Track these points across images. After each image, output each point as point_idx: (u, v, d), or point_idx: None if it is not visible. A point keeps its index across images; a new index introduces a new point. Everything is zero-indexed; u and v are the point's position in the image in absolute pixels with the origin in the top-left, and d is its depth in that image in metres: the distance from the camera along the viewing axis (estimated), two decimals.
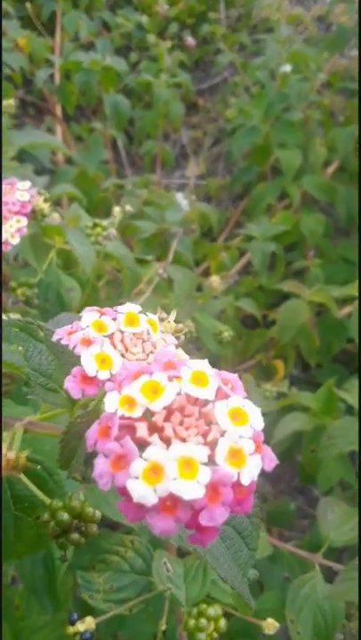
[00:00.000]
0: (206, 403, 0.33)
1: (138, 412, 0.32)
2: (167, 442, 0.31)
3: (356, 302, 1.64)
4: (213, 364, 0.35)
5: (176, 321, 0.44)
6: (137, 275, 1.21)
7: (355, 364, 1.93)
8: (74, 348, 0.39)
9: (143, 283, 1.35)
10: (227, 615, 0.79)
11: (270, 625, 0.84)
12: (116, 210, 1.12)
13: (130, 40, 2.83)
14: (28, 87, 2.68)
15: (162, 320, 0.44)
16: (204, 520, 0.30)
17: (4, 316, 0.61)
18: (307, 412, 1.38)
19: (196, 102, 2.79)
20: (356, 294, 1.59)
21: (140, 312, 0.42)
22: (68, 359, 0.38)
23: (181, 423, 0.32)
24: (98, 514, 0.49)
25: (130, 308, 0.42)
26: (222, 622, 0.74)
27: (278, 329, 1.65)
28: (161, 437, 0.31)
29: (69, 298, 1.03)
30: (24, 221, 0.88)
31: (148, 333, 0.41)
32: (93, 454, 0.32)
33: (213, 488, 0.30)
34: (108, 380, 0.37)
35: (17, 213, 0.89)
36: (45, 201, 0.94)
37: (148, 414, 0.32)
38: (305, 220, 1.88)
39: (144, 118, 2.25)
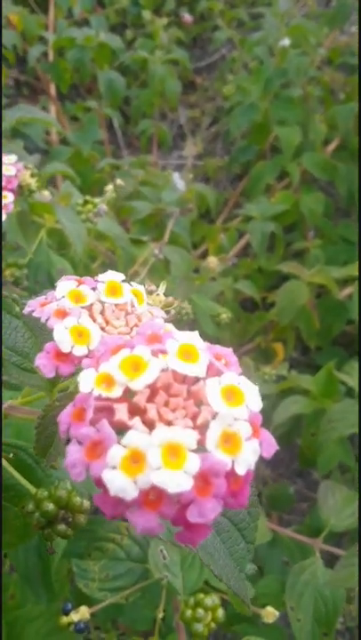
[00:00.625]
0: (196, 380, 0.29)
1: (117, 392, 0.28)
2: (150, 425, 0.27)
3: (357, 283, 1.61)
4: None
5: (166, 294, 0.40)
6: (131, 255, 1.17)
7: (355, 347, 1.90)
8: (47, 320, 0.35)
9: (138, 264, 1.31)
10: (225, 602, 0.77)
11: (270, 613, 0.82)
12: (109, 187, 1.08)
13: (125, 17, 2.76)
14: (21, 67, 2.62)
15: (150, 293, 0.40)
16: (192, 516, 0.26)
17: None
18: (307, 395, 1.35)
19: (194, 81, 2.73)
20: (357, 274, 1.55)
21: (123, 281, 0.38)
22: (46, 337, 0.34)
23: (167, 404, 0.28)
24: (86, 504, 0.46)
25: (111, 276, 0.38)
26: (220, 612, 0.72)
27: (278, 311, 1.62)
28: (143, 421, 0.27)
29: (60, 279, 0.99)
30: (10, 197, 0.84)
31: (133, 305, 0.37)
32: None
33: (203, 478, 0.26)
34: (86, 356, 0.34)
35: (2, 189, 0.85)
36: (32, 176, 0.89)
37: (129, 395, 0.28)
38: (305, 200, 1.84)
39: (140, 97, 2.19)
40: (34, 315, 0.36)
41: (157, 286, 0.41)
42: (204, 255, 1.89)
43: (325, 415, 1.25)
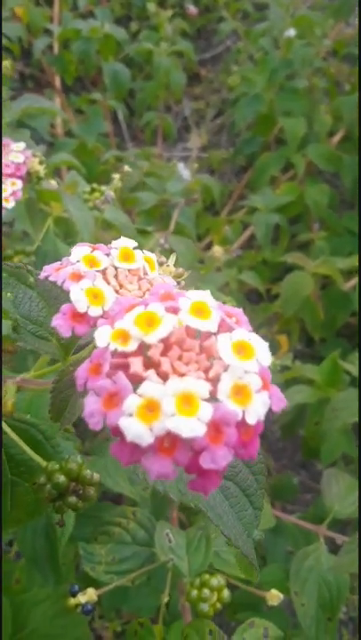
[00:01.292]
0: (208, 336, 0.30)
1: (132, 346, 0.29)
2: (164, 378, 0.28)
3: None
4: None
5: (176, 265, 0.41)
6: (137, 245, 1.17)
7: (358, 339, 1.90)
8: (63, 283, 0.36)
9: None
10: (230, 587, 0.78)
11: (274, 596, 0.83)
12: (116, 176, 1.08)
13: (130, 9, 2.76)
14: (26, 60, 2.63)
15: (160, 264, 0.41)
16: (205, 462, 0.27)
17: None
18: (311, 385, 1.36)
19: (199, 73, 2.73)
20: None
21: (135, 248, 0.39)
22: (60, 306, 0.35)
23: (180, 358, 0.29)
24: (96, 476, 0.47)
25: (124, 242, 0.38)
26: (225, 593, 0.73)
27: (282, 302, 1.62)
28: (157, 373, 0.28)
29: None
30: (19, 184, 0.85)
31: (145, 272, 0.38)
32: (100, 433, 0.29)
33: (216, 427, 0.27)
34: (100, 317, 0.35)
35: (11, 176, 0.86)
36: (41, 163, 0.90)
37: (143, 351, 0.29)
38: (309, 192, 1.84)
39: (145, 89, 2.19)
40: (50, 279, 0.37)
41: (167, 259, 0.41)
42: (209, 247, 1.90)
43: (329, 404, 1.25)
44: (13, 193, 0.84)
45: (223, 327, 0.31)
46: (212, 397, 0.28)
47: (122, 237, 0.38)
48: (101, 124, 2.15)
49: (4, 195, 0.84)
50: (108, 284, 0.36)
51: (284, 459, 1.93)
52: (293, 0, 1.98)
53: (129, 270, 0.38)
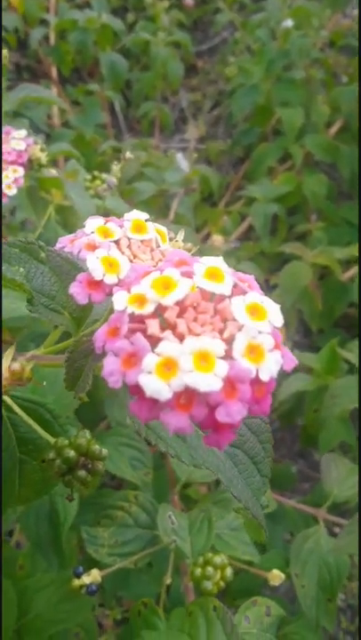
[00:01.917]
0: (222, 299, 0.31)
1: (149, 309, 0.30)
2: (181, 338, 0.30)
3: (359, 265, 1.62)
4: None
5: (185, 241, 0.42)
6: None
7: (356, 329, 1.92)
8: (78, 252, 0.37)
9: None
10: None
11: (276, 576, 0.84)
12: (116, 164, 1.09)
13: (126, 0, 2.75)
14: (22, 51, 2.62)
15: (170, 240, 0.42)
16: (220, 415, 0.28)
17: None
18: (310, 373, 1.37)
19: (195, 64, 2.72)
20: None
21: (147, 220, 0.40)
22: (71, 281, 0.36)
23: (195, 320, 0.30)
24: (105, 451, 0.48)
25: (137, 214, 0.39)
26: (228, 571, 0.74)
27: (280, 292, 1.63)
28: (174, 334, 0.30)
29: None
30: (21, 171, 0.86)
31: (158, 244, 0.39)
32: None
33: (230, 384, 0.29)
34: (116, 284, 0.36)
35: (12, 163, 0.86)
36: (42, 151, 0.91)
37: (159, 315, 0.30)
38: (307, 182, 1.84)
39: (142, 80, 2.19)
40: (65, 249, 0.38)
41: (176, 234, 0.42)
42: (207, 239, 1.90)
43: (328, 391, 1.26)
44: (15, 180, 0.85)
45: (237, 290, 0.32)
46: (227, 357, 0.29)
47: (134, 210, 0.39)
48: (99, 115, 2.15)
49: (5, 182, 0.84)
50: (123, 254, 0.37)
51: (283, 449, 1.95)
52: None
53: (142, 241, 0.39)
